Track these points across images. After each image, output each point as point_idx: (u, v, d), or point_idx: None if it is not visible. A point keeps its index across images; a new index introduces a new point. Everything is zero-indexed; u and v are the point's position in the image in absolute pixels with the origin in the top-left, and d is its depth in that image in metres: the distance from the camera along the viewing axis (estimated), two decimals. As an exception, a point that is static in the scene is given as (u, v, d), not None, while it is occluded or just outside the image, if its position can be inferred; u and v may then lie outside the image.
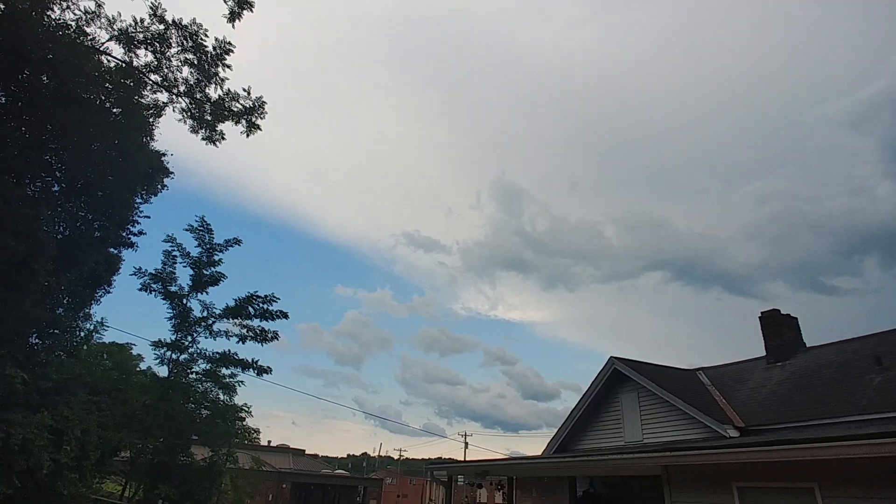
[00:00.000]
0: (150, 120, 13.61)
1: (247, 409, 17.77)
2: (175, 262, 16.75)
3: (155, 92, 13.03)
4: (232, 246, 17.26)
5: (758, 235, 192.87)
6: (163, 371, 16.26)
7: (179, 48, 12.31)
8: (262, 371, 16.51)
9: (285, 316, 16.96)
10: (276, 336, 16.95)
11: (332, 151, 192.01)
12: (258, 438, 25.06)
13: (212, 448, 15.92)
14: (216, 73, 12.69)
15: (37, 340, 12.82)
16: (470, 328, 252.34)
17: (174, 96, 12.97)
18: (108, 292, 14.51)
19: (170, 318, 16.42)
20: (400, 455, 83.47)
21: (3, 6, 10.45)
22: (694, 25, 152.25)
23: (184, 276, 16.87)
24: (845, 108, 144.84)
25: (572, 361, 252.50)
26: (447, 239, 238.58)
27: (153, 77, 12.62)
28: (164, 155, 14.74)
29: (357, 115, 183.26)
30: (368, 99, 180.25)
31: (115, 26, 11.86)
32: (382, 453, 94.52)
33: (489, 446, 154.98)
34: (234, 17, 12.02)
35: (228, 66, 12.68)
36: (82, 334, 14.62)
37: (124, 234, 14.32)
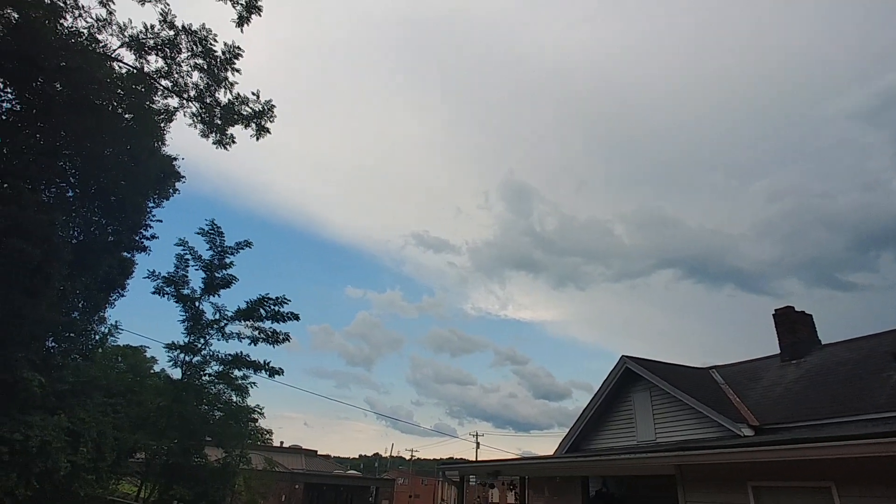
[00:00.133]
0: (162, 125, 13.78)
1: (259, 410, 17.90)
2: (187, 266, 16.90)
3: (166, 97, 13.20)
4: (243, 248, 17.39)
5: (770, 232, 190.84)
6: (176, 373, 16.42)
7: (189, 53, 12.46)
8: (273, 372, 16.62)
9: (296, 318, 17.05)
10: (287, 338, 17.04)
11: (340, 153, 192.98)
12: (271, 439, 25.24)
13: (225, 449, 16.05)
14: (225, 78, 12.83)
15: (53, 344, 13.01)
16: (480, 328, 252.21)
17: (185, 101, 13.13)
18: (122, 296, 14.72)
19: (183, 321, 16.58)
20: (411, 455, 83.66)
21: (17, 16, 10.63)
22: (701, 21, 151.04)
23: (196, 278, 17.03)
24: (857, 101, 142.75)
25: (583, 361, 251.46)
26: (456, 239, 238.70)
27: (164, 82, 12.78)
28: (175, 159, 14.91)
29: (364, 116, 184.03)
30: (375, 100, 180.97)
31: (126, 33, 12.03)
32: (394, 454, 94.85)
33: (501, 446, 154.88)
34: (242, 21, 12.15)
35: (237, 71, 12.81)
36: (97, 337, 14.82)
37: (137, 238, 14.49)
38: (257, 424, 18.06)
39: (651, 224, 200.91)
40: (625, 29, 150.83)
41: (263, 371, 16.50)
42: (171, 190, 15.07)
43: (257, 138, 13.42)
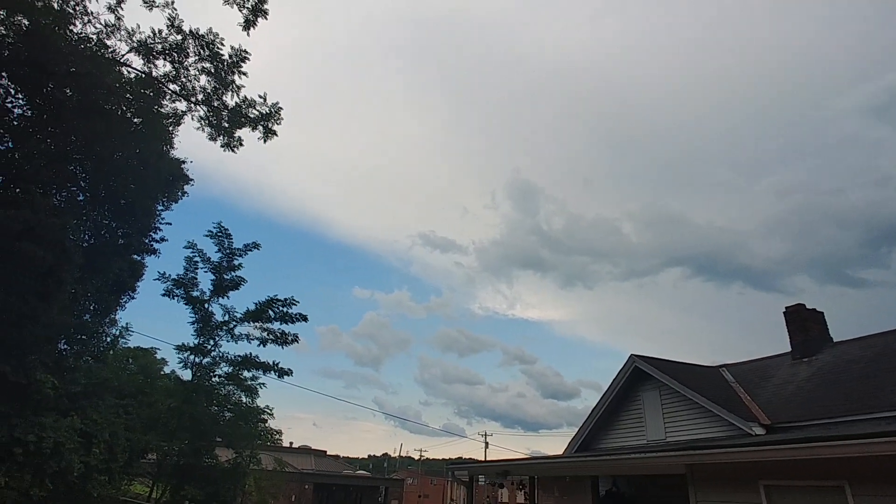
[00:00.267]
0: (170, 129, 13.90)
1: (269, 410, 18.01)
2: (196, 268, 17.03)
3: (174, 101, 13.32)
4: (251, 250, 17.50)
5: (780, 229, 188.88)
6: (186, 374, 16.55)
7: (197, 57, 12.56)
8: (282, 373, 16.70)
9: (305, 319, 17.13)
10: (296, 339, 17.12)
11: (345, 154, 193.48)
12: (280, 440, 25.41)
13: (235, 450, 16.16)
14: (232, 81, 12.92)
15: (65, 346, 13.16)
16: (488, 328, 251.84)
17: (192, 105, 13.24)
18: (133, 298, 14.87)
19: (192, 323, 16.71)
20: (420, 455, 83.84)
21: (27, 22, 10.77)
22: (705, 18, 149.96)
23: (205, 280, 17.16)
24: (867, 96, 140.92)
25: (592, 360, 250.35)
26: (463, 239, 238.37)
27: (172, 86, 12.90)
28: (183, 162, 15.03)
29: (369, 116, 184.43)
30: (380, 101, 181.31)
31: (134, 38, 12.16)
32: (403, 454, 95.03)
33: (509, 446, 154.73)
34: (248, 25, 12.22)
35: (244, 74, 12.90)
36: (108, 340, 14.98)
37: (147, 240, 14.63)
38: (267, 425, 18.18)
39: (659, 222, 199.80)
40: (628, 27, 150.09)
41: (272, 372, 16.59)
42: (179, 193, 15.20)
43: (265, 141, 13.50)
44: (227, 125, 13.41)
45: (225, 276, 17.08)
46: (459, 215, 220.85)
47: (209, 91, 13.02)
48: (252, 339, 16.89)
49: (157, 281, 16.27)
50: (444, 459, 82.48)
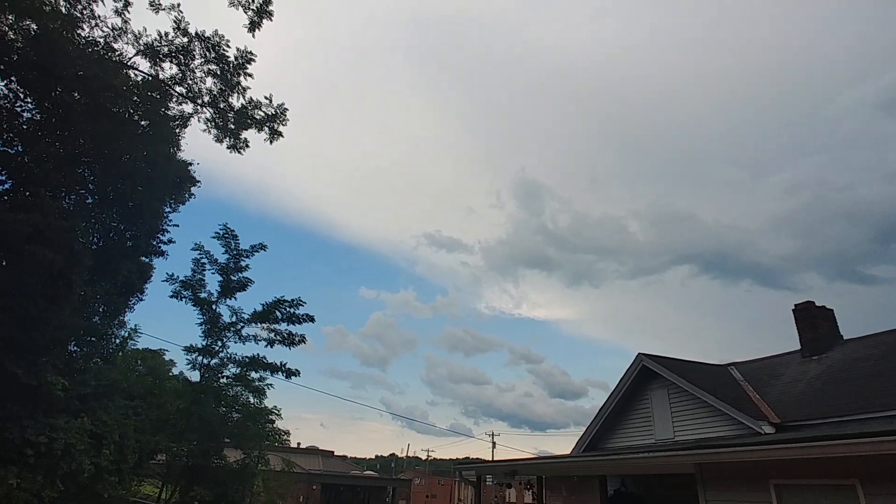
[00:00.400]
0: (177, 131, 13.98)
1: (276, 411, 18.10)
2: (204, 269, 17.12)
3: (180, 103, 13.39)
4: (258, 251, 17.57)
5: (789, 226, 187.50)
6: (195, 375, 16.64)
7: (203, 59, 12.62)
8: (290, 374, 16.76)
9: (311, 319, 17.19)
10: (303, 339, 17.18)
11: (350, 154, 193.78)
12: (288, 440, 25.48)
13: (244, 450, 16.23)
14: (238, 83, 12.97)
15: (75, 348, 13.26)
16: (494, 327, 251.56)
17: (199, 107, 13.30)
18: (141, 300, 14.95)
19: (200, 324, 16.81)
20: (428, 455, 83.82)
21: (35, 27, 10.87)
22: (710, 14, 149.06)
23: (212, 282, 17.24)
24: (876, 90, 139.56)
25: (599, 359, 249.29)
26: (469, 238, 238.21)
27: (178, 89, 12.97)
28: (190, 164, 15.11)
29: (372, 117, 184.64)
30: (383, 101, 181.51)
31: (141, 41, 12.23)
32: (410, 454, 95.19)
33: (517, 446, 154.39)
34: (254, 26, 12.27)
35: (250, 75, 12.94)
36: (117, 341, 15.07)
37: (155, 242, 14.71)
38: (275, 425, 18.27)
39: (665, 220, 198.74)
40: (632, 26, 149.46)
41: (280, 372, 16.66)
42: (186, 195, 15.28)
43: (271, 142, 13.55)
44: (233, 127, 13.47)
45: (232, 278, 17.17)
46: (465, 215, 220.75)
47: (215, 93, 13.08)
48: (259, 340, 16.97)
49: (165, 283, 16.39)
50: (451, 459, 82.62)
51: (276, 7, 12.23)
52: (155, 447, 13.92)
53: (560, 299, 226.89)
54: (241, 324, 16.92)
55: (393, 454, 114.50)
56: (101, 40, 12.01)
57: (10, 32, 10.99)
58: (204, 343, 16.48)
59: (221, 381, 16.69)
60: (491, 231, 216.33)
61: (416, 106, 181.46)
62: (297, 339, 17.06)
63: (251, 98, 13.19)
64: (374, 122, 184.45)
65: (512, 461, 16.87)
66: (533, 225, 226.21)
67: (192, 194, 15.49)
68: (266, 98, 13.22)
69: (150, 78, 12.68)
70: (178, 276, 16.57)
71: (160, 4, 11.86)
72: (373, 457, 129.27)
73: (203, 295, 16.85)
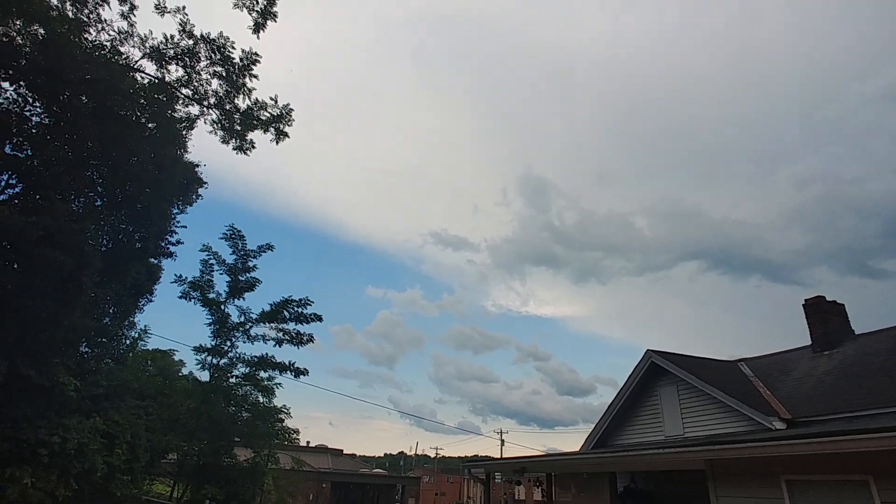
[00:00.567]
0: (183, 133, 14.04)
1: (285, 410, 18.21)
2: (212, 270, 17.25)
3: (187, 105, 13.44)
4: (265, 251, 17.68)
5: (799, 220, 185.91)
6: (204, 375, 16.79)
7: (208, 61, 12.67)
8: (298, 373, 16.86)
9: (319, 319, 17.28)
10: (311, 339, 17.28)
11: (354, 154, 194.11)
12: (297, 439, 25.60)
13: (254, 449, 16.35)
14: (244, 84, 13.01)
15: (86, 349, 13.39)
16: (501, 325, 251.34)
17: (205, 108, 13.36)
18: (150, 301, 15.05)
19: (209, 324, 16.94)
20: (436, 453, 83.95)
21: (43, 32, 10.96)
22: (723, 8, 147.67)
23: (221, 282, 17.36)
24: (887, 83, 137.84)
25: (607, 356, 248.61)
26: (475, 236, 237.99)
27: (184, 91, 13.03)
28: (197, 166, 15.18)
29: (377, 116, 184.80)
30: (387, 100, 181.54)
31: (147, 44, 12.29)
32: (419, 452, 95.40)
33: (525, 443, 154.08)
34: (258, 28, 12.29)
35: (255, 77, 12.98)
36: (128, 342, 15.21)
37: (163, 244, 14.81)
38: (284, 424, 18.38)
39: (673, 216, 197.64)
40: (641, 22, 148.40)
41: (289, 372, 16.76)
42: (194, 196, 15.35)
43: (276, 142, 13.58)
44: (239, 128, 13.52)
45: (240, 278, 17.28)
46: (471, 213, 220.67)
47: (221, 94, 13.13)
48: (268, 340, 17.10)
49: (173, 284, 16.53)
50: (460, 457, 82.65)
51: (285, 9, 12.26)
52: (166, 446, 14.04)
53: (567, 296, 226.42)
54: (250, 324, 17.04)
55: (402, 452, 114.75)
56: (108, 44, 12.08)
57: (18, 38, 11.09)
58: (213, 343, 16.61)
59: (231, 380, 16.81)
60: (497, 229, 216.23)
61: (420, 105, 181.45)
62: (305, 338, 17.16)
63: (257, 99, 13.23)
64: (379, 121, 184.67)
65: (521, 458, 16.85)
66: (539, 222, 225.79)
67: (200, 196, 15.57)
68: (271, 99, 13.26)
69: (157, 80, 12.75)
70: (186, 278, 16.72)
71: (165, 7, 11.92)
72: (382, 455, 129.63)
73: (212, 295, 16.97)
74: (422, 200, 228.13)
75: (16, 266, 10.78)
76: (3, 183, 11.55)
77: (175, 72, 12.75)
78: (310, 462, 40.04)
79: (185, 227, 15.45)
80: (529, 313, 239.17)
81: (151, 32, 12.29)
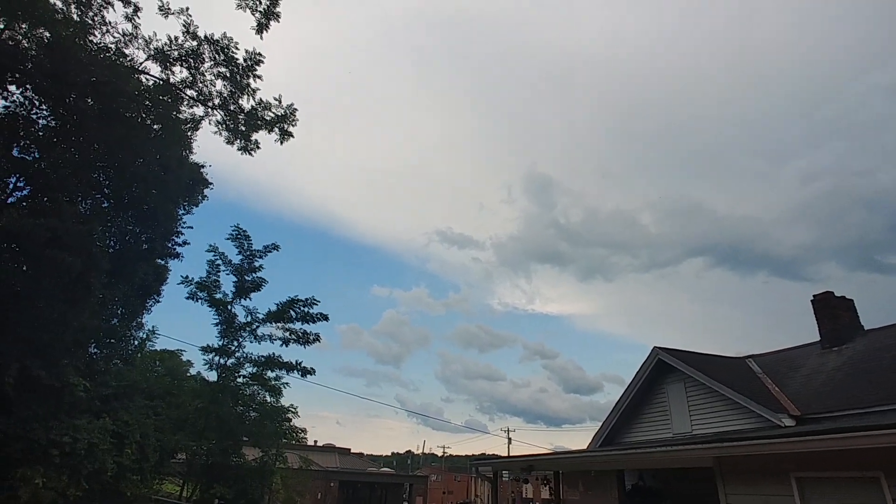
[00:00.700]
0: (189, 134, 14.09)
1: (293, 410, 18.27)
2: (218, 271, 17.32)
3: (191, 106, 13.49)
4: (270, 252, 17.73)
5: (806, 215, 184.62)
6: (212, 375, 16.87)
7: (212, 63, 12.70)
8: (305, 372, 16.90)
9: (325, 318, 17.31)
10: (317, 338, 17.32)
11: (359, 154, 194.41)
12: (305, 438, 25.72)
13: (262, 448, 16.42)
14: (248, 85, 13.03)
15: (95, 350, 13.49)
16: (507, 323, 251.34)
17: (209, 109, 13.40)
18: (158, 301, 15.14)
19: (216, 325, 17.01)
20: (444, 452, 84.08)
21: (48, 35, 11.02)
22: (723, 7, 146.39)
23: (227, 282, 17.43)
24: (891, 77, 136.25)
25: (614, 353, 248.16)
26: (480, 234, 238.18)
27: (189, 92, 13.07)
28: (203, 167, 15.24)
29: (381, 116, 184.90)
30: (391, 100, 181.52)
31: (151, 46, 12.34)
32: (426, 450, 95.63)
33: (533, 441, 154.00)
34: (261, 28, 12.31)
35: (259, 77, 13.00)
36: (136, 343, 15.31)
37: (170, 245, 14.89)
38: (291, 424, 18.44)
39: (678, 212, 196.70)
40: (647, 21, 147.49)
41: (296, 371, 16.81)
42: (199, 197, 15.42)
43: (281, 142, 13.60)
44: (243, 128, 13.55)
45: (246, 278, 17.34)
46: (476, 211, 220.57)
47: (225, 95, 13.16)
48: (275, 340, 17.15)
49: (180, 285, 16.62)
50: (467, 456, 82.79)
51: (290, 11, 12.27)
52: (175, 446, 14.12)
53: (573, 294, 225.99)
54: (257, 323, 17.10)
55: (409, 451, 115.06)
56: (113, 46, 12.14)
57: (23, 41, 11.16)
58: (220, 343, 16.69)
59: (238, 380, 16.88)
60: (502, 227, 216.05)
61: (420, 105, 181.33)
62: (311, 337, 17.21)
63: (261, 99, 13.26)
64: (379, 121, 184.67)
65: (528, 457, 16.83)
66: (545, 220, 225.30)
67: (205, 196, 15.63)
68: (276, 99, 13.28)
69: (161, 82, 12.80)
70: (193, 279, 16.80)
71: (169, 9, 11.95)
72: (389, 454, 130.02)
73: (218, 296, 17.04)
74: (423, 200, 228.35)
75: (24, 268, 10.87)
76: (11, 186, 11.65)
77: (179, 73, 12.80)
78: (317, 461, 40.21)
79: (192, 227, 15.55)
80: (535, 311, 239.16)
81: (156, 34, 12.35)
